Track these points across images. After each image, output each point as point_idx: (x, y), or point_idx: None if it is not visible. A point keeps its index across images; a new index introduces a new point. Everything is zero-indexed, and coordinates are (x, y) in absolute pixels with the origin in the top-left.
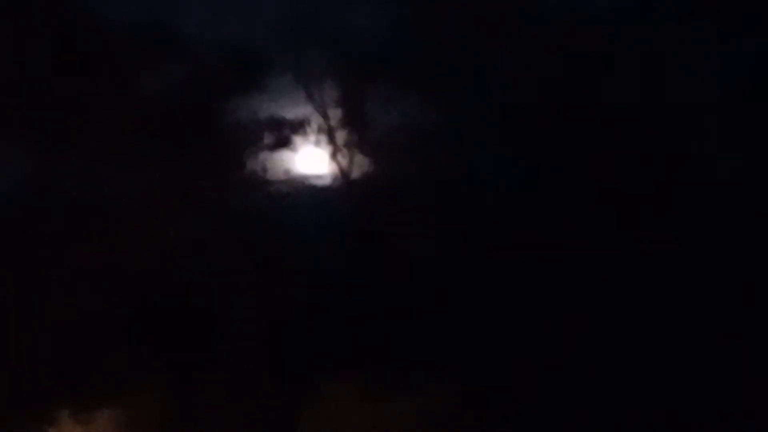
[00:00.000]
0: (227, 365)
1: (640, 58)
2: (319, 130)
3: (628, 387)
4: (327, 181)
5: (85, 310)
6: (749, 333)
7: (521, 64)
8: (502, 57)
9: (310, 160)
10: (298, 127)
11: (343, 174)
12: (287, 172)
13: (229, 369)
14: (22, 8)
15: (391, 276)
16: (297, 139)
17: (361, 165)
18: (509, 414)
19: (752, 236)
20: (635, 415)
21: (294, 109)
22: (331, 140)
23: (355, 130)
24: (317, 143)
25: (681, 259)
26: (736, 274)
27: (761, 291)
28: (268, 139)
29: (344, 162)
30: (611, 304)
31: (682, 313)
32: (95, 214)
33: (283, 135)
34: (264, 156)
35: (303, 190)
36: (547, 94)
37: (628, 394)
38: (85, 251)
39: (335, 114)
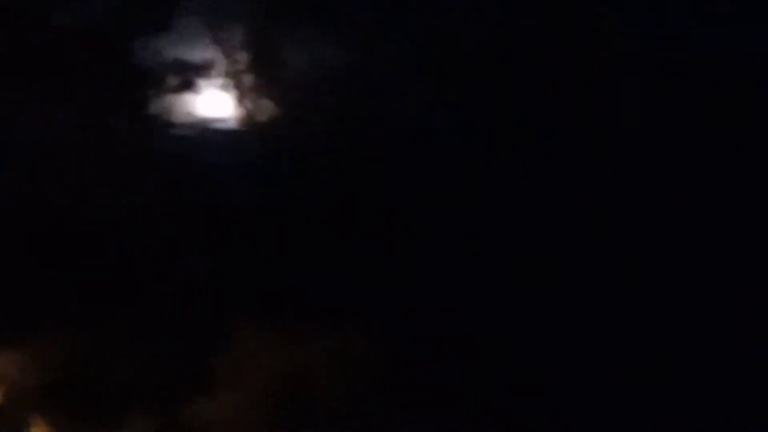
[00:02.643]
0: (138, 307)
1: None
2: (226, 74)
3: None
4: (231, 125)
5: None
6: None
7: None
8: None
9: (215, 103)
10: (204, 69)
11: (249, 118)
12: (190, 114)
13: (140, 312)
14: None
15: (300, 222)
16: (202, 83)
17: (268, 109)
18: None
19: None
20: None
21: (199, 52)
22: (239, 84)
23: (264, 73)
24: (223, 87)
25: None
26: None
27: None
28: (172, 81)
29: (250, 106)
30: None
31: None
32: (7, 146)
33: (188, 78)
34: (168, 98)
35: (206, 134)
36: (473, 32)
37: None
38: None
39: (244, 57)
